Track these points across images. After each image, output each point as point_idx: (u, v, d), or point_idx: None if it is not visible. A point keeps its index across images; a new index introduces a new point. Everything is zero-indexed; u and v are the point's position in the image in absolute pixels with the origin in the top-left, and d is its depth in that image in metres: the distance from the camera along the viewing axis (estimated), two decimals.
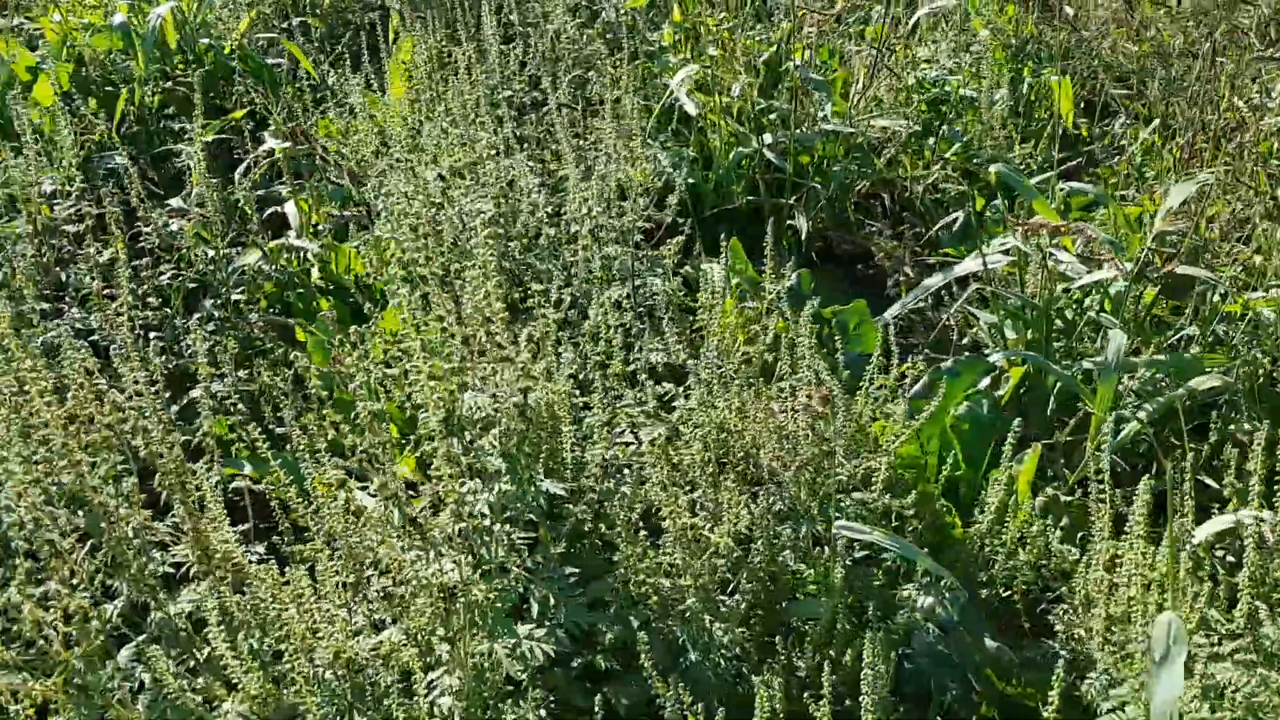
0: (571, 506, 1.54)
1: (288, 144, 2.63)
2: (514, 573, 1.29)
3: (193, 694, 1.20)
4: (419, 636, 1.25)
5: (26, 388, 1.34)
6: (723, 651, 1.50)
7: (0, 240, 2.08)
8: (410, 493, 1.65)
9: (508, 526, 1.30)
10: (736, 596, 1.61)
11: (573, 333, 2.06)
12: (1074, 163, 3.34)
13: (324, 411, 1.67)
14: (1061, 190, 2.55)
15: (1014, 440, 1.71)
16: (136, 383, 1.47)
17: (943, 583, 1.64)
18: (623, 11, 3.51)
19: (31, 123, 2.48)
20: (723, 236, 2.49)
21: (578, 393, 1.82)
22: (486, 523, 1.27)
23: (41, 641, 1.15)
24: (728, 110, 3.02)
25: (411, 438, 1.76)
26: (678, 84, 2.87)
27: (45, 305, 2.08)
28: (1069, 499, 1.86)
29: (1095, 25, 4.03)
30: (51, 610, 1.17)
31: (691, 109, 2.91)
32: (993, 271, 2.30)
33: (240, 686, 1.18)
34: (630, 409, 1.79)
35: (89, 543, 1.33)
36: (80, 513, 1.32)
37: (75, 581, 1.28)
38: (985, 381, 2.07)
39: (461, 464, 1.31)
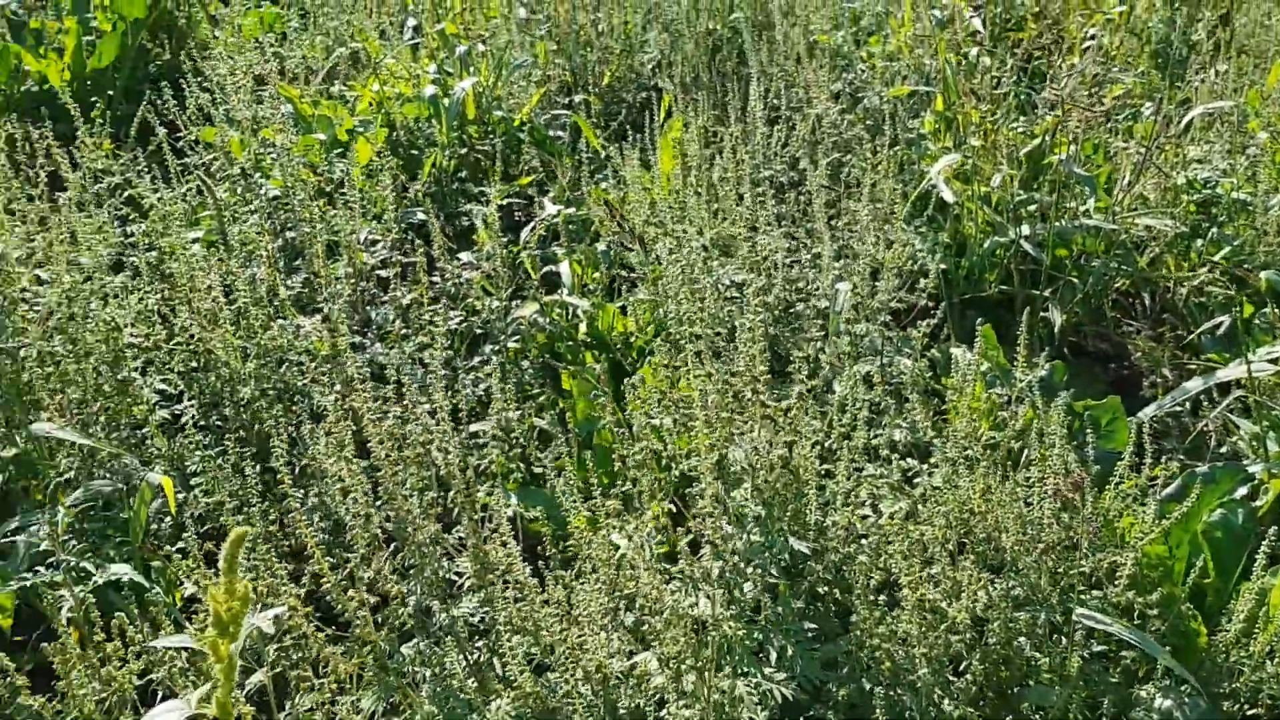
0: (814, 564, 1.62)
1: (567, 209, 2.87)
2: (765, 614, 1.39)
3: (471, 689, 1.36)
4: (670, 664, 1.36)
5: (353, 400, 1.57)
6: None
7: (325, 279, 2.38)
8: (659, 535, 1.78)
9: (759, 572, 1.41)
10: (968, 676, 1.64)
11: (821, 404, 2.15)
12: None
13: (583, 454, 1.84)
14: None
15: (1269, 551, 1.67)
16: (438, 410, 1.67)
17: (1183, 687, 1.61)
18: (885, 100, 3.61)
19: (352, 177, 2.84)
20: (978, 322, 2.52)
21: (819, 461, 1.91)
22: (742, 564, 1.37)
23: (357, 621, 1.34)
24: (985, 199, 3.06)
25: (661, 480, 1.90)
26: (937, 171, 2.94)
27: (355, 339, 2.37)
28: None
29: None
30: (368, 594, 1.37)
31: (949, 196, 2.97)
32: (1258, 380, 2.23)
33: (515, 684, 1.33)
34: (874, 480, 1.86)
35: (392, 545, 1.53)
36: (390, 516, 1.53)
37: (376, 583, 1.48)
38: (1242, 491, 2.02)
39: (727, 507, 1.43)
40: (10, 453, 1.90)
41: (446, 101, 3.30)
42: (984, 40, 4.06)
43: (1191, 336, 2.76)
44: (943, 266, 3.00)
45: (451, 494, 1.61)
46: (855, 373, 2.24)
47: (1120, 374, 3.08)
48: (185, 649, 1.31)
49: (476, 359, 2.52)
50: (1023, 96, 3.81)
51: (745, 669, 1.36)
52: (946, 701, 1.58)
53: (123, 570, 1.65)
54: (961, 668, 1.68)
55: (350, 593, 1.34)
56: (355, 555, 1.48)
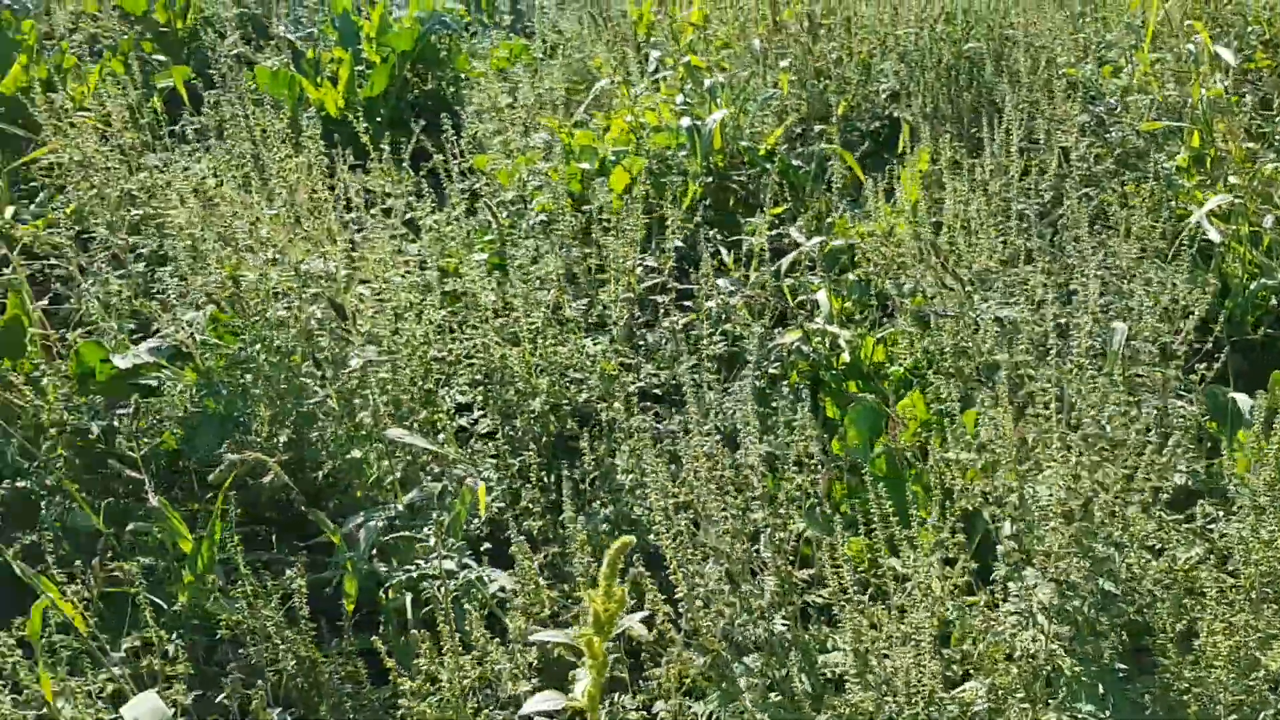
0: (1124, 605, 1.64)
1: (821, 239, 2.95)
2: (1080, 650, 1.43)
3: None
4: (997, 693, 1.42)
5: None
6: None
7: (609, 302, 2.53)
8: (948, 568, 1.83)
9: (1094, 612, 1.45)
10: None
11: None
12: None
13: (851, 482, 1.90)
14: None
15: None
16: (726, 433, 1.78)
17: None
18: (1138, 134, 3.55)
19: (612, 204, 3.00)
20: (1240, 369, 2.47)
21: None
22: (1085, 607, 1.42)
23: (704, 630, 1.45)
24: (1253, 239, 2.98)
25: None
26: (1205, 211, 2.89)
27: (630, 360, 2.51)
28: None
29: None
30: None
31: (1215, 236, 2.90)
32: None
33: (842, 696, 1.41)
34: (1175, 525, 1.86)
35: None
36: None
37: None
38: None
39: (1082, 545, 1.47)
40: (355, 454, 2.11)
41: (700, 129, 3.43)
42: (1233, 72, 3.94)
43: None
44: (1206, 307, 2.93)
45: (760, 515, 1.71)
46: (1130, 417, 2.24)
47: None
48: (558, 642, 1.44)
49: (738, 384, 2.62)
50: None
51: (1071, 704, 1.40)
52: None
53: (480, 569, 1.82)
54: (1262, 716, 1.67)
55: (704, 606, 1.46)
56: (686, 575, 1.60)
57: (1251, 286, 2.92)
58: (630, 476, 2.06)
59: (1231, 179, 3.19)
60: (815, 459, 1.87)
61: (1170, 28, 4.60)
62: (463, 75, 4.41)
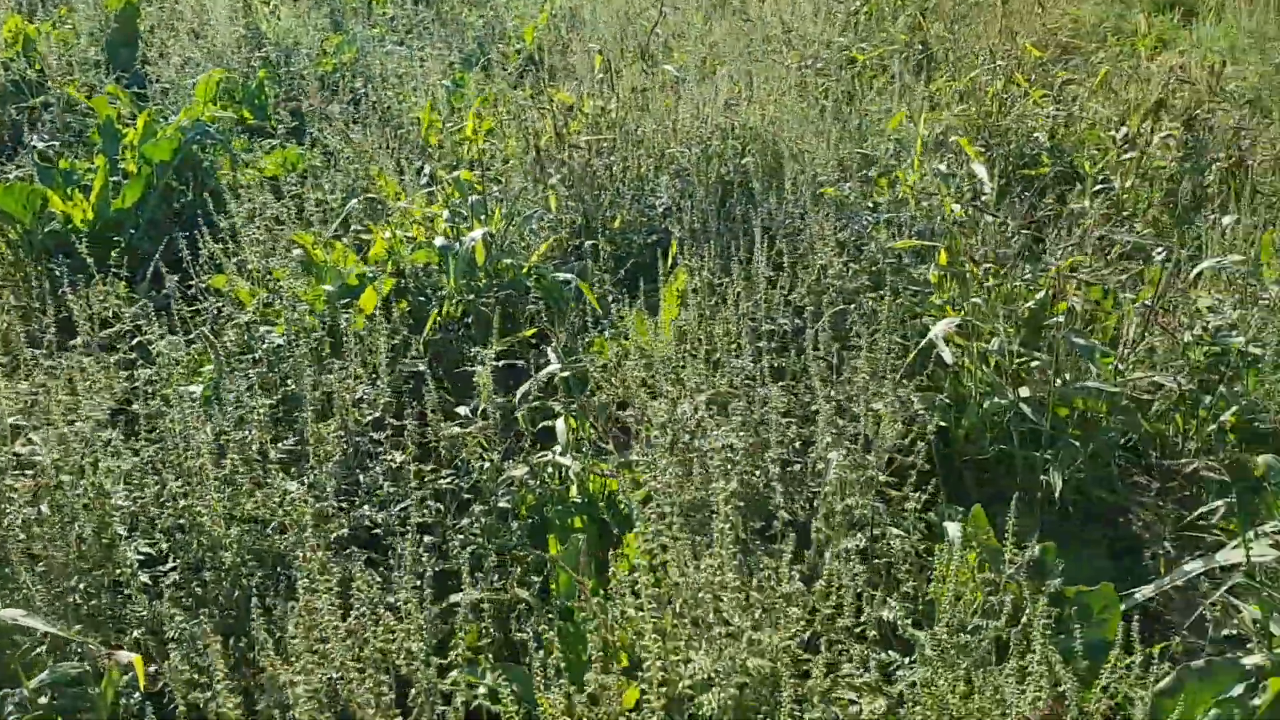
0: None
1: (569, 362, 2.89)
2: None
3: None
4: None
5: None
6: None
7: (317, 437, 2.40)
8: None
9: None
10: None
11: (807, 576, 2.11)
12: None
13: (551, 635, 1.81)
14: None
15: None
16: (407, 603, 1.66)
17: None
18: (890, 252, 3.64)
19: (355, 332, 2.88)
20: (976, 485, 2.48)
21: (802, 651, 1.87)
22: None
23: None
24: (984, 358, 3.05)
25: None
26: (936, 332, 2.94)
27: (343, 501, 2.37)
28: None
29: None
30: None
31: (948, 357, 2.96)
32: (1257, 565, 2.18)
33: None
34: (852, 679, 1.82)
35: None
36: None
37: None
38: (1239, 689, 1.95)
39: None
40: None
41: (456, 249, 3.36)
42: (989, 191, 4.10)
43: (1191, 518, 2.71)
44: (942, 424, 2.98)
45: (413, 693, 1.59)
46: (842, 549, 2.22)
47: (1129, 530, 3.02)
48: None
49: (466, 519, 2.51)
50: (1028, 249, 3.83)
51: None
52: None
53: None
54: None
55: None
56: None
57: (985, 406, 2.98)
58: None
59: (973, 299, 3.28)
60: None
61: (937, 145, 4.81)
62: (237, 186, 4.25)
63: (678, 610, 1.56)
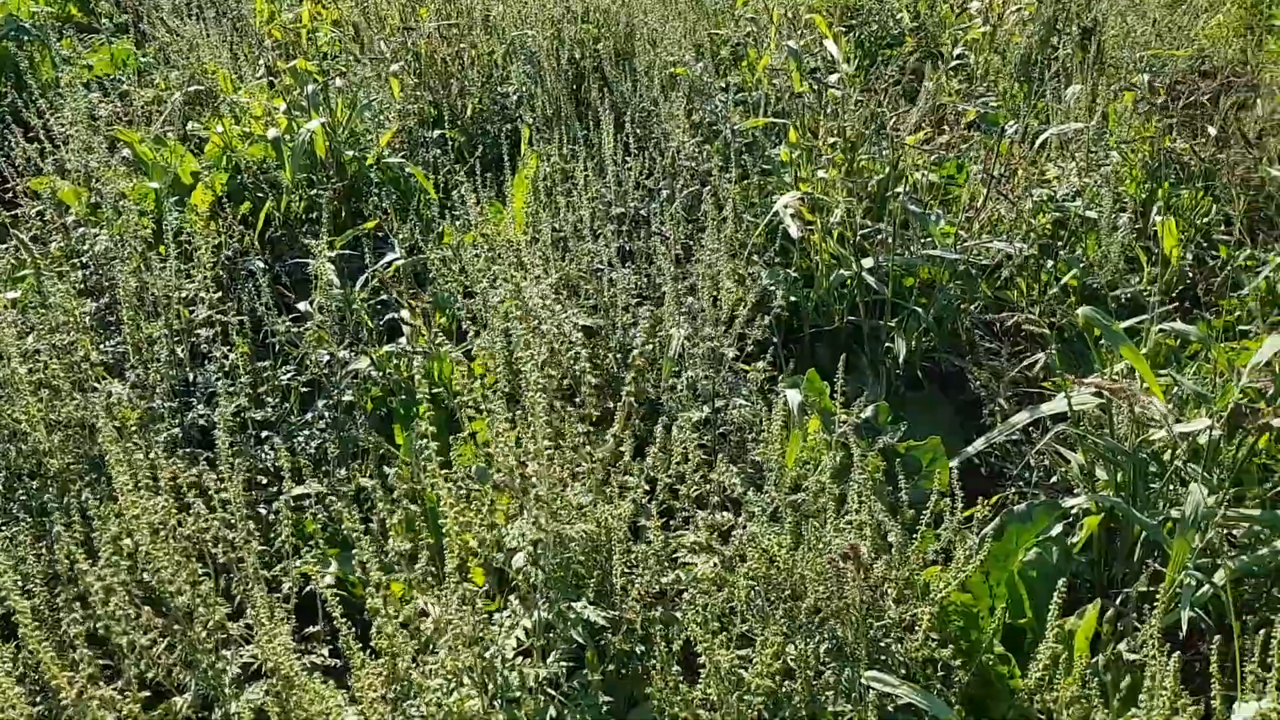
0: (611, 636, 1.60)
1: (395, 256, 2.82)
2: (530, 704, 1.36)
3: None
4: None
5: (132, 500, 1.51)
6: None
7: (141, 340, 2.30)
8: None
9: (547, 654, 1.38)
10: None
11: (659, 445, 2.13)
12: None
13: (393, 520, 1.80)
14: (1160, 333, 2.51)
15: (1062, 591, 1.69)
16: (224, 491, 1.62)
17: None
18: (741, 132, 3.62)
19: (183, 229, 2.75)
20: (828, 357, 2.52)
21: (644, 518, 1.89)
22: (508, 653, 1.35)
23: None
24: (829, 232, 3.08)
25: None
26: (781, 206, 2.96)
27: (174, 404, 2.29)
28: (1133, 657, 1.82)
29: (1240, 145, 3.93)
30: (124, 704, 1.31)
31: (795, 231, 2.98)
32: (1081, 413, 2.27)
33: None
34: (685, 540, 1.85)
35: (166, 640, 1.47)
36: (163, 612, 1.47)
37: (150, 676, 1.42)
38: (1059, 528, 2.05)
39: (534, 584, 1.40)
40: None
41: (291, 142, 3.22)
42: (843, 70, 4.10)
43: (1014, 371, 2.80)
44: (792, 299, 3.01)
45: (237, 580, 1.56)
46: (687, 419, 2.23)
47: (977, 396, 3.12)
48: None
49: (308, 415, 2.46)
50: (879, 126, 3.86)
51: None
52: None
53: None
54: None
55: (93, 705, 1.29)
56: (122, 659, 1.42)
57: (832, 278, 3.02)
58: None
59: (822, 174, 3.29)
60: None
61: (796, 25, 4.78)
62: (58, 84, 3.99)
63: (496, 484, 1.56)
